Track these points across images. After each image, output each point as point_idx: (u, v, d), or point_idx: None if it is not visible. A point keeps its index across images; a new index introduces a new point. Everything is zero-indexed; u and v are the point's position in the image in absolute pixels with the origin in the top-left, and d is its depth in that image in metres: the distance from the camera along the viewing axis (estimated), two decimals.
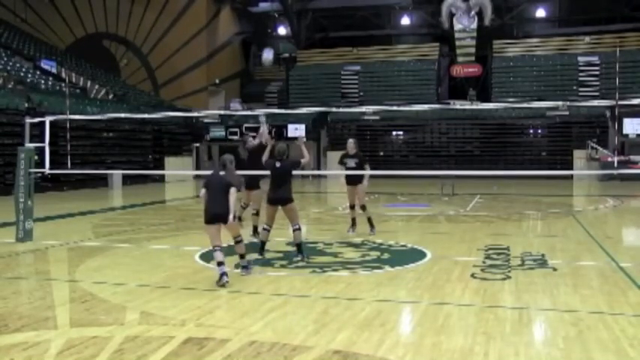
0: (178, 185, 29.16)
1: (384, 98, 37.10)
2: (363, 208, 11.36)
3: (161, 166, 30.17)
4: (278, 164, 8.78)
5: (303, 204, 17.47)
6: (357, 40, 42.39)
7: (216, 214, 7.38)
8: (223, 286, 7.07)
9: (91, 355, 4.77)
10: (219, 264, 7.25)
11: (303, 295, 6.73)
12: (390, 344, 5.02)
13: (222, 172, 7.66)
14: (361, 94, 39.27)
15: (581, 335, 5.21)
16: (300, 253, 8.77)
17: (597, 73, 36.09)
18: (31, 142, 11.20)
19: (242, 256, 7.82)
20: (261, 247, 8.99)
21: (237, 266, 7.89)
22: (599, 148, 30.42)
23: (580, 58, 37.12)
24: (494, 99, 35.78)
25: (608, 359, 4.68)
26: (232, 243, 7.76)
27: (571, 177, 30.58)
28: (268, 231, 8.92)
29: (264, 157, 9.15)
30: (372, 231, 11.34)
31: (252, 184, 10.38)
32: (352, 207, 11.53)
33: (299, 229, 8.81)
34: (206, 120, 35.73)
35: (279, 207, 8.77)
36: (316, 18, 43.71)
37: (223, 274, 7.18)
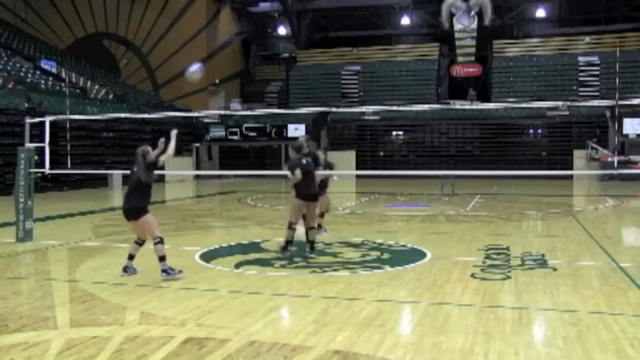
0: (178, 185, 29.16)
1: (384, 98, 37.11)
2: None
3: (161, 166, 30.13)
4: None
5: None
6: (357, 40, 42.42)
7: (124, 210, 7.60)
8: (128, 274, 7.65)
9: (91, 355, 4.77)
10: (129, 257, 7.72)
11: (303, 295, 6.72)
12: (390, 344, 5.01)
13: (135, 168, 7.66)
14: (361, 94, 39.28)
15: (581, 335, 5.21)
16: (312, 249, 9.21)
17: (597, 73, 36.12)
18: (31, 142, 11.20)
19: (161, 259, 7.47)
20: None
21: (125, 269, 7.75)
22: (599, 148, 30.42)
23: (580, 58, 37.15)
24: (495, 99, 35.80)
25: (608, 359, 4.68)
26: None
27: (571, 177, 30.56)
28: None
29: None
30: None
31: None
32: None
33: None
34: (206, 120, 35.72)
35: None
36: (316, 18, 43.74)
37: (125, 267, 7.70)
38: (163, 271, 7.45)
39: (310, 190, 8.96)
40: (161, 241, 7.49)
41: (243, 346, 4.96)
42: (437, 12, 39.37)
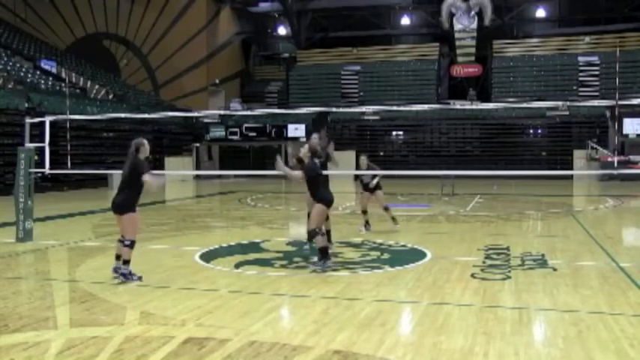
0: (178, 185, 29.15)
1: (384, 98, 37.12)
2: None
3: (161, 166, 30.15)
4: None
5: (303, 204, 17.43)
6: (357, 40, 42.43)
7: (112, 204, 7.48)
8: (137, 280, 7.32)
9: (91, 355, 4.77)
10: (117, 257, 7.42)
11: (303, 295, 6.72)
12: (390, 344, 5.01)
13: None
14: (361, 94, 39.29)
15: (581, 335, 5.21)
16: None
17: (597, 73, 36.14)
18: (31, 142, 11.19)
19: (124, 262, 7.33)
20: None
21: (115, 270, 7.49)
22: (599, 148, 30.41)
23: (580, 58, 37.16)
24: (495, 99, 35.81)
25: (608, 359, 4.68)
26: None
27: (571, 177, 30.56)
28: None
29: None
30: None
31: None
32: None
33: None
34: (206, 120, 35.73)
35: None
36: (316, 18, 43.73)
37: (121, 272, 7.32)
38: (122, 274, 7.30)
39: (331, 195, 8.35)
40: (131, 245, 7.34)
41: (243, 346, 4.96)
42: (437, 12, 39.38)
